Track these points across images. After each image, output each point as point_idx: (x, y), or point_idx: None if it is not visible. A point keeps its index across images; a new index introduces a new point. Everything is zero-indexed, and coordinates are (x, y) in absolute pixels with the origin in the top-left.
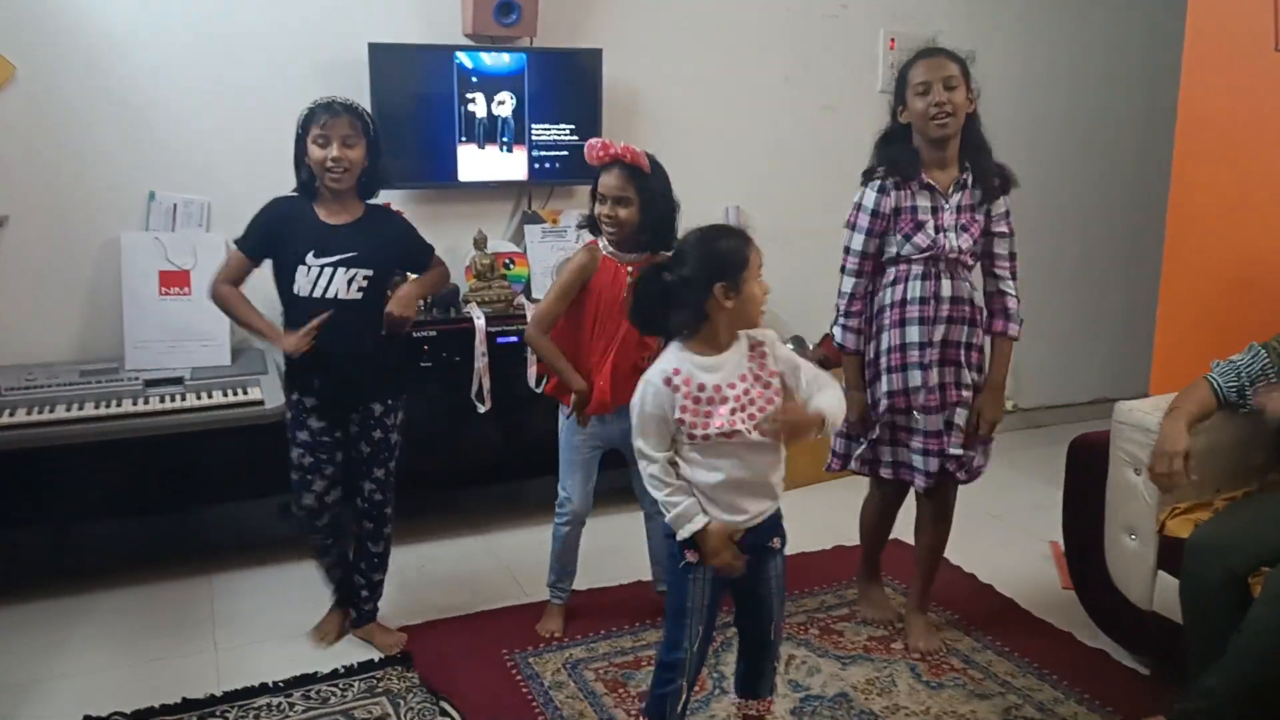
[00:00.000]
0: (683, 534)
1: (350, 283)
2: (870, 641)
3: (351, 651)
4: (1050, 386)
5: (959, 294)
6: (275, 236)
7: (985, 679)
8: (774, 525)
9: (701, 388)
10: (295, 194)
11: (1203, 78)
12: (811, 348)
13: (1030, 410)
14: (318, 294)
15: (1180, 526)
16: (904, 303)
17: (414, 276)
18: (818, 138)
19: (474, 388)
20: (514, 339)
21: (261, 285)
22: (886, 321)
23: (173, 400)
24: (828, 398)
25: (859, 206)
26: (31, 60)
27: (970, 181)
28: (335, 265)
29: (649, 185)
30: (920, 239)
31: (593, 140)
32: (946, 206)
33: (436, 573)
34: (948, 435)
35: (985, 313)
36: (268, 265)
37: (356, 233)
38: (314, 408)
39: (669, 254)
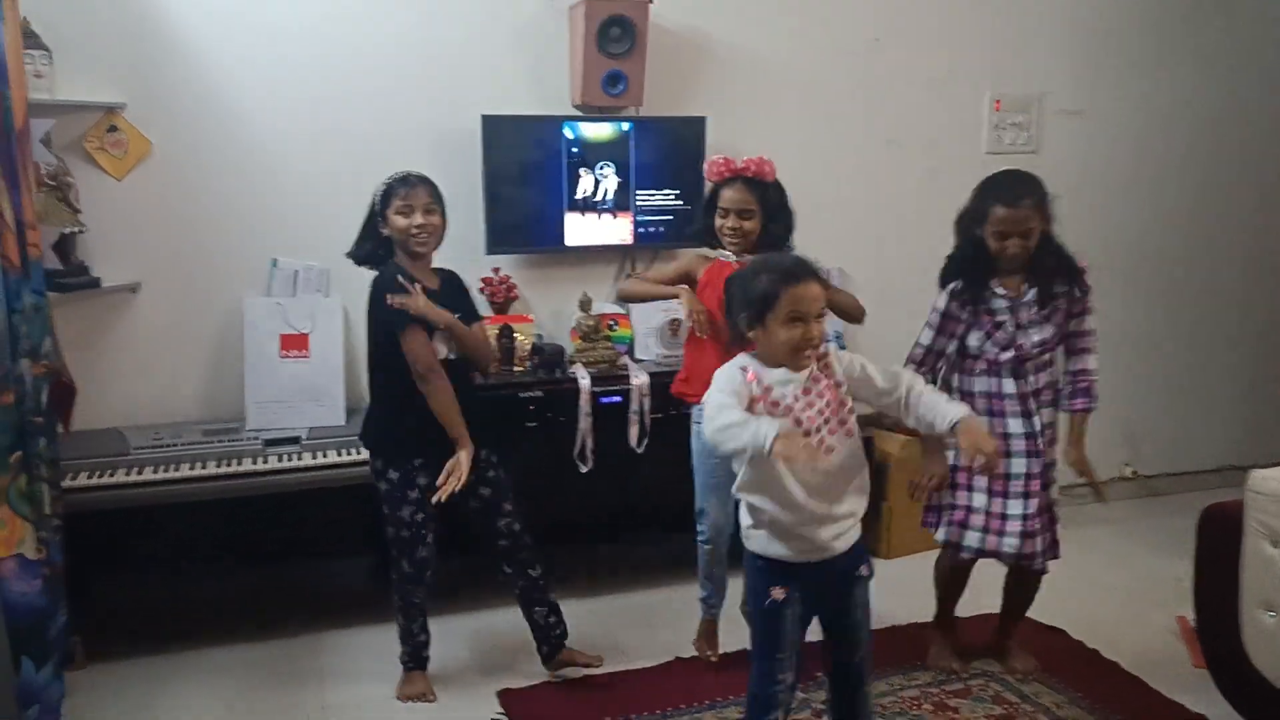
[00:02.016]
0: (768, 446)
1: (450, 342)
2: (988, 719)
3: (458, 710)
4: (1171, 452)
5: (1043, 385)
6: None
7: None
8: (859, 552)
9: (770, 389)
10: (387, 265)
11: None
12: None
13: (1150, 478)
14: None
15: None
16: (1014, 397)
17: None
18: (921, 200)
19: (577, 447)
20: (617, 399)
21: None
22: (1005, 410)
23: (290, 459)
24: (947, 405)
25: (933, 308)
26: (167, 135)
27: (1038, 284)
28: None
29: (770, 197)
30: (1001, 336)
31: (714, 157)
32: (1022, 304)
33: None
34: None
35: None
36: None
37: (445, 297)
38: (422, 465)
39: None
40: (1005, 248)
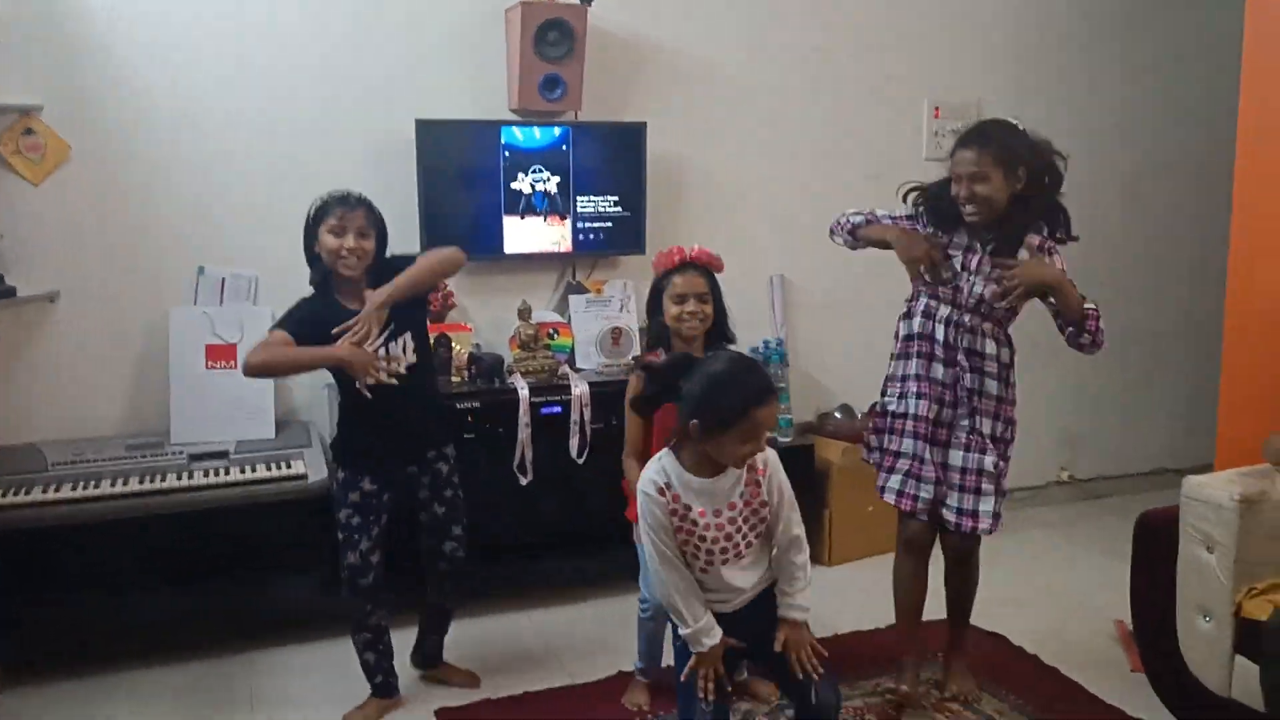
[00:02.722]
0: (701, 645)
1: (405, 349)
2: None
3: None
4: (1107, 456)
5: (977, 347)
6: (320, 332)
7: None
8: (768, 594)
9: (688, 509)
10: (315, 296)
11: (1261, 132)
12: (859, 417)
13: (1087, 481)
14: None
15: (1257, 608)
16: (931, 340)
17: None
18: (863, 206)
19: (516, 459)
20: (557, 409)
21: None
22: (919, 351)
23: (217, 475)
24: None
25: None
26: (87, 138)
27: (1006, 247)
28: (386, 344)
29: (716, 283)
30: (945, 271)
31: (665, 250)
32: (980, 251)
33: (476, 652)
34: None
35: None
36: None
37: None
38: (368, 468)
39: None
40: (958, 193)
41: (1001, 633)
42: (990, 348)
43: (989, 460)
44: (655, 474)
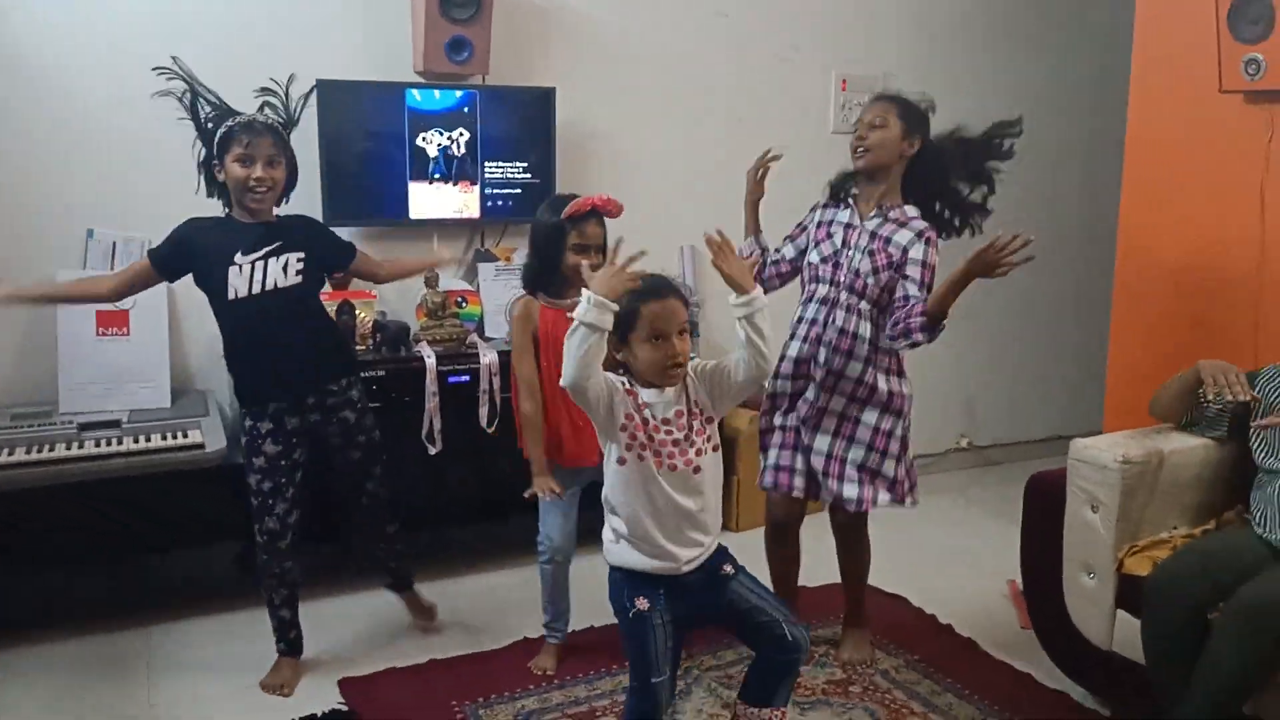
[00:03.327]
0: (587, 313)
1: (286, 269)
2: (829, 685)
3: (294, 705)
4: (1004, 424)
5: (850, 328)
6: (195, 247)
7: None
8: (721, 555)
9: (646, 405)
10: (206, 216)
11: (1149, 117)
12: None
13: (985, 448)
14: (256, 289)
15: (1139, 564)
16: (810, 322)
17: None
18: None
19: (424, 429)
20: (465, 378)
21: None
22: (798, 333)
23: (109, 444)
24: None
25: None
26: None
27: (897, 219)
28: (266, 256)
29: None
30: (825, 247)
31: (575, 200)
32: (860, 226)
33: (385, 621)
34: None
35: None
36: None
37: (274, 228)
38: (269, 432)
39: None
40: (854, 144)
41: (901, 594)
42: (864, 329)
43: (855, 451)
44: (619, 377)
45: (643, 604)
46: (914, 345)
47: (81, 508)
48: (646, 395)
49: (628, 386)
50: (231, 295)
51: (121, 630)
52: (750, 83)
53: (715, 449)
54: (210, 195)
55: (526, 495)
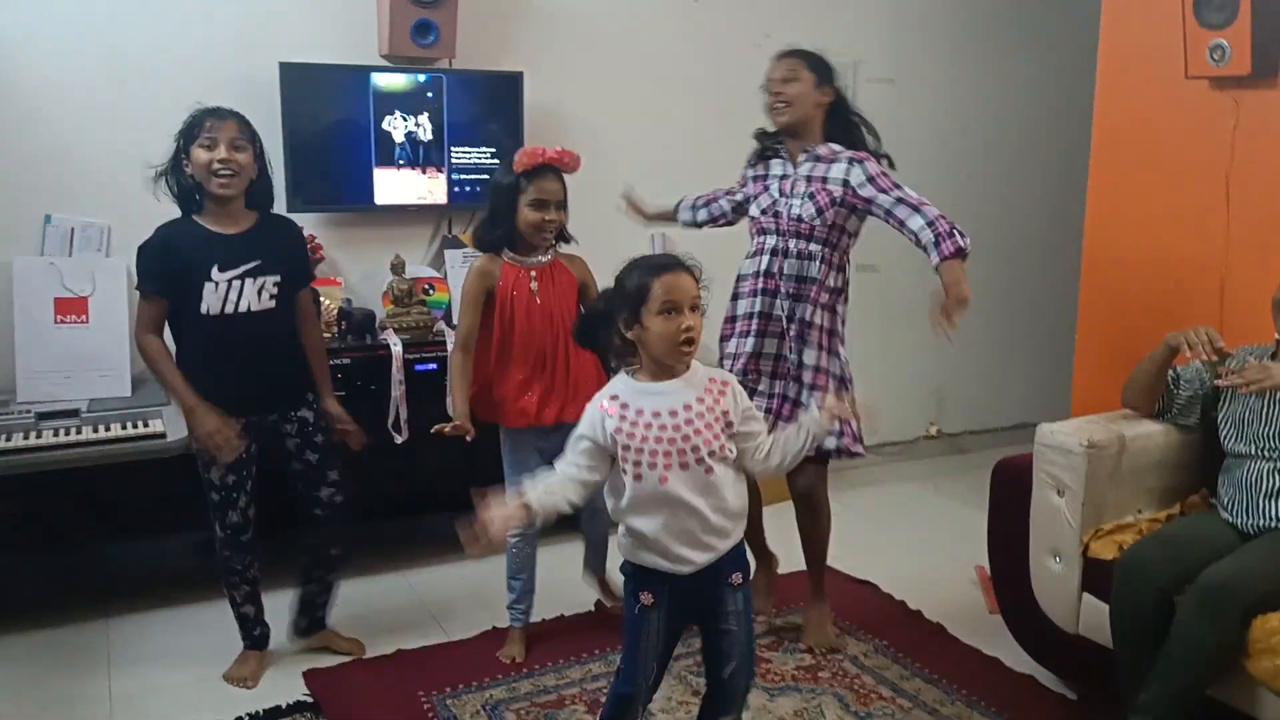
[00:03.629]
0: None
1: (260, 292)
2: (798, 671)
3: (258, 697)
4: (972, 411)
5: (802, 273)
6: (172, 263)
7: (914, 708)
8: (734, 559)
9: (639, 412)
10: (177, 219)
11: (1115, 105)
12: None
13: (954, 435)
14: (229, 309)
15: (1104, 548)
16: (757, 275)
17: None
18: (742, 163)
19: (390, 418)
20: (433, 366)
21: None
22: (744, 290)
23: (68, 434)
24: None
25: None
26: None
27: (824, 155)
28: (243, 277)
29: (566, 186)
30: (764, 199)
31: (528, 147)
32: (794, 174)
33: (351, 612)
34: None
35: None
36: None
37: (254, 240)
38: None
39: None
40: (768, 102)
41: (871, 580)
42: (817, 271)
43: (815, 396)
44: (608, 389)
45: (647, 599)
46: (959, 250)
47: (40, 498)
48: (646, 390)
49: (616, 398)
50: (204, 310)
51: (81, 621)
52: (721, 69)
53: (722, 457)
54: (180, 204)
55: (433, 430)
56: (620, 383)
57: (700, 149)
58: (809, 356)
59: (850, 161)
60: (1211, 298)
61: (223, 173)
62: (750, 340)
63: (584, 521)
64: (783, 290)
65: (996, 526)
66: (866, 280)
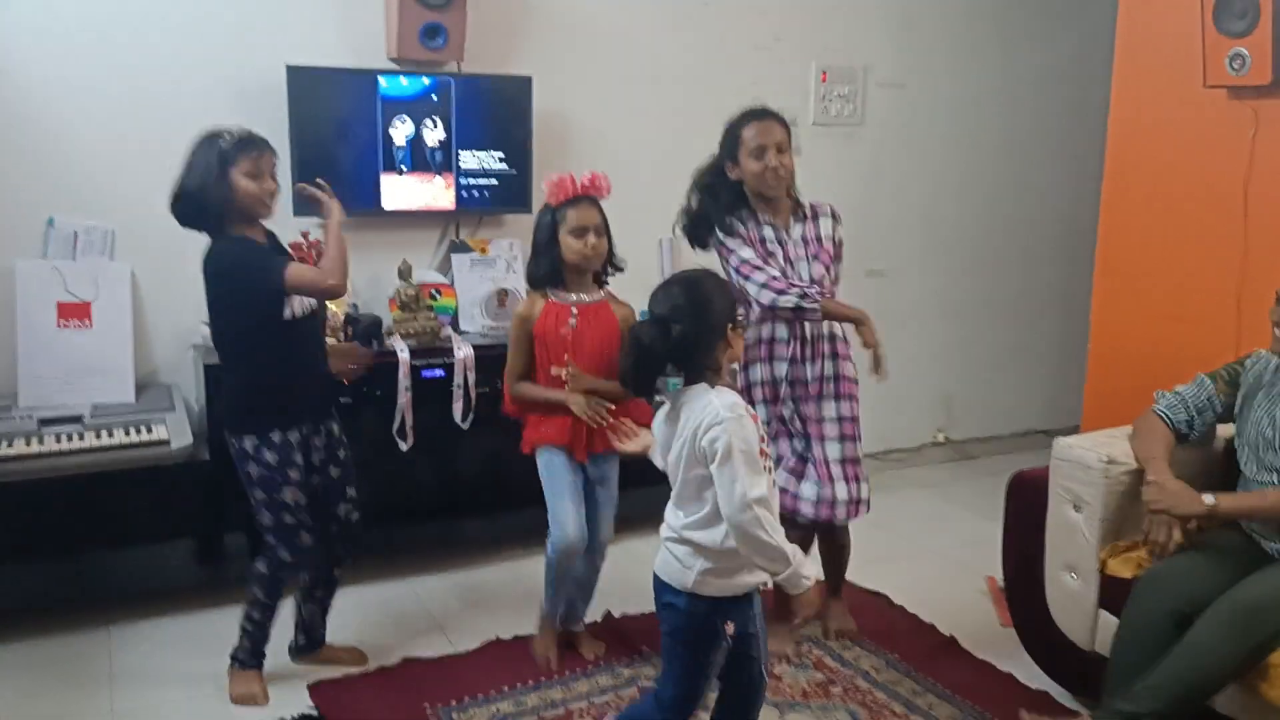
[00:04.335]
0: (802, 585)
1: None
2: (810, 686)
3: (263, 710)
4: (981, 418)
5: (830, 330)
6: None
7: None
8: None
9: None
10: (228, 235)
11: (1131, 112)
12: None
13: (961, 442)
14: (305, 312)
15: (1121, 566)
16: (772, 341)
17: None
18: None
19: (396, 424)
20: (439, 372)
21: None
22: (758, 355)
23: (70, 440)
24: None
25: (729, 245)
26: None
27: (809, 215)
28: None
29: (604, 212)
30: (772, 267)
31: (554, 177)
32: (789, 239)
33: (355, 621)
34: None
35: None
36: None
37: (280, 249)
38: (298, 443)
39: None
40: (765, 165)
41: (882, 591)
42: (840, 329)
43: (841, 447)
44: (734, 402)
45: (730, 629)
46: (799, 311)
47: (42, 505)
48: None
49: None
50: (288, 315)
51: (82, 630)
52: (731, 73)
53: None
54: (190, 218)
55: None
56: (728, 396)
57: (709, 150)
58: (845, 409)
59: (833, 218)
60: (1228, 308)
61: (270, 202)
62: (773, 407)
63: (582, 563)
64: (823, 352)
65: (1011, 540)
66: (873, 285)
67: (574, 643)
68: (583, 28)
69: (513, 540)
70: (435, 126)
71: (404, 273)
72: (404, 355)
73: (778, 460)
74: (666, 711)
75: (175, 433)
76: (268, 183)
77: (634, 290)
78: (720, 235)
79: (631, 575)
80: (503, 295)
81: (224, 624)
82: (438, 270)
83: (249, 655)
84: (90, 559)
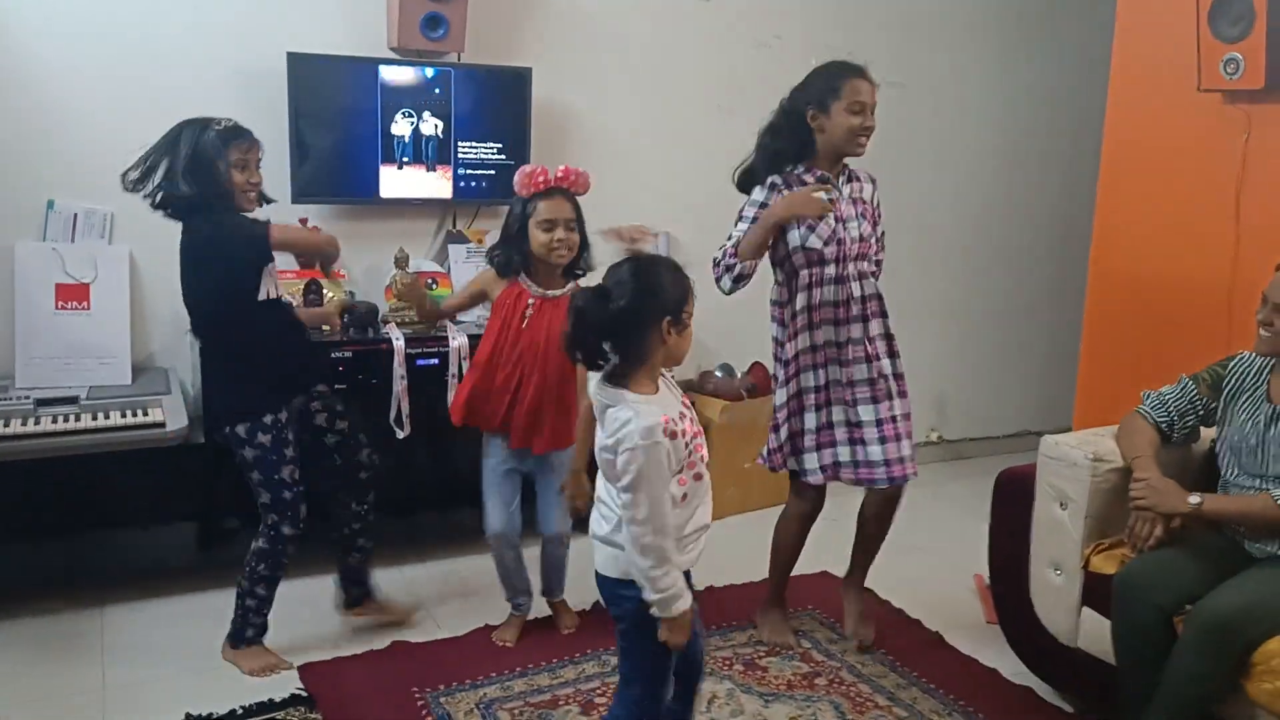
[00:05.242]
0: (674, 612)
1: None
2: (795, 678)
3: (252, 691)
4: (974, 419)
5: (868, 292)
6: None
7: (910, 717)
8: None
9: (681, 427)
10: (231, 212)
11: (1127, 115)
12: (740, 376)
13: (954, 442)
14: (280, 296)
15: (1105, 563)
16: (819, 306)
17: None
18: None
19: (392, 412)
20: (435, 361)
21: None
22: (805, 322)
23: (66, 421)
24: None
25: (749, 202)
26: None
27: (852, 178)
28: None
29: (580, 208)
30: (823, 229)
31: (526, 168)
32: (842, 197)
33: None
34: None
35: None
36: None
37: None
38: (288, 421)
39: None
40: (862, 122)
41: (869, 587)
42: (876, 287)
43: (901, 403)
44: (652, 417)
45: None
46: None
47: (38, 486)
48: (660, 403)
49: (672, 427)
50: (263, 295)
51: (76, 609)
52: (732, 69)
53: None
54: (162, 204)
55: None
56: (643, 401)
57: (708, 147)
58: (888, 366)
59: (873, 182)
60: (1219, 312)
61: (253, 193)
62: (820, 372)
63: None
64: (873, 313)
65: (997, 536)
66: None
67: (554, 615)
68: (583, 20)
69: None
70: (434, 116)
71: (400, 261)
72: (399, 344)
73: (829, 426)
74: (643, 704)
75: (171, 415)
76: (254, 174)
77: None
78: (759, 189)
79: None
80: None
81: (217, 603)
82: (434, 259)
83: (256, 631)
84: (85, 539)
